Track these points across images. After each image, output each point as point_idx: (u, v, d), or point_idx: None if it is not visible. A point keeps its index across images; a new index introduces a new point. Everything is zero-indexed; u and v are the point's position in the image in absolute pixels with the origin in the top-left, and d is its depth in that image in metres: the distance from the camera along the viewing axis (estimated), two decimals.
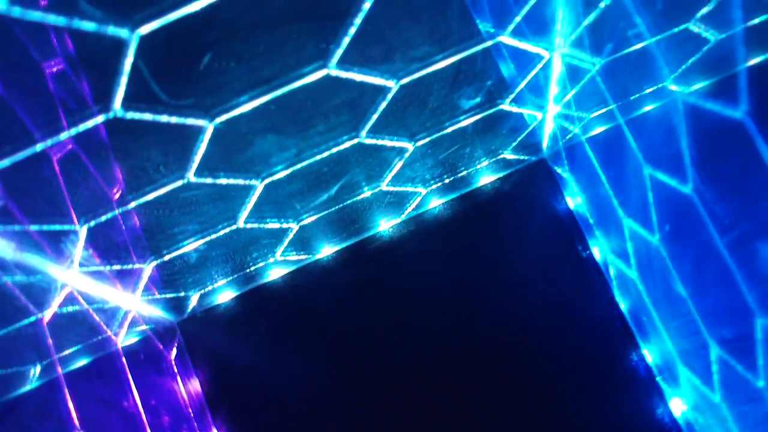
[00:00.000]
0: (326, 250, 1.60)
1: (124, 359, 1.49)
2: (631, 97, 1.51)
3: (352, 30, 0.94)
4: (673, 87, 1.52)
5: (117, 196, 1.21)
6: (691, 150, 1.04)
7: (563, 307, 1.56)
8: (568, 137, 1.54)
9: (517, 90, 1.32)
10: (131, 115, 0.92)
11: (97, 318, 1.35)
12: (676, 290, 1.23)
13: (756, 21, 1.45)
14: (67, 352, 1.44)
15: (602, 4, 1.17)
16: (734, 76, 1.15)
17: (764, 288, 0.98)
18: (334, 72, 0.99)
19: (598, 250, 1.56)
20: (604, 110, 1.49)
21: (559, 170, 1.60)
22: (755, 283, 0.98)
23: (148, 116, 0.94)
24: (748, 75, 1.23)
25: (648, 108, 1.53)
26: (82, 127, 0.92)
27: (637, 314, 1.50)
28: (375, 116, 1.14)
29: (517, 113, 1.41)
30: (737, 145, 0.88)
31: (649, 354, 1.51)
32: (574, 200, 1.58)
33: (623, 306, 1.53)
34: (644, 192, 1.23)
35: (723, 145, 1.03)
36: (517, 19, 1.12)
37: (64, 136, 0.94)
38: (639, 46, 1.33)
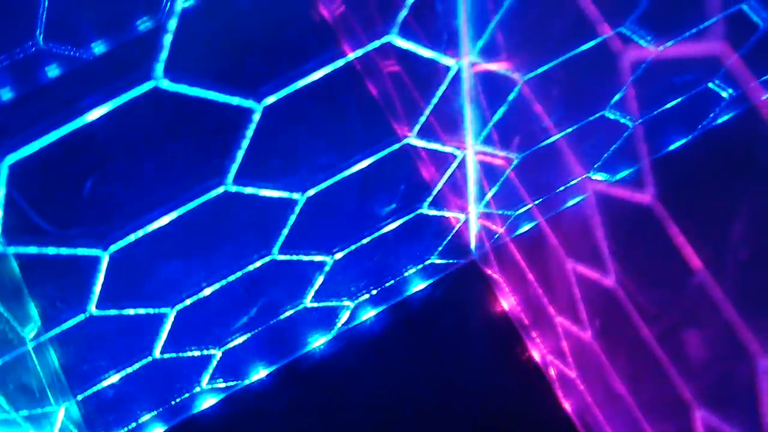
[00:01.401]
0: (257, 374, 1.53)
1: None
2: (556, 191, 1.48)
3: (245, 142, 0.90)
4: (597, 177, 1.50)
5: (18, 335, 1.14)
6: (609, 240, 1.01)
7: (508, 412, 1.50)
8: (495, 237, 1.51)
9: (435, 192, 1.28)
10: (14, 249, 0.87)
11: None
12: (615, 387, 1.18)
13: (673, 103, 1.45)
14: None
15: (509, 97, 1.15)
16: (643, 159, 1.13)
17: (697, 378, 0.94)
18: (233, 188, 0.95)
19: (536, 351, 1.51)
20: (528, 207, 1.46)
21: (489, 272, 1.56)
22: (688, 374, 0.94)
23: (32, 249, 0.88)
24: (655, 157, 1.21)
25: (573, 201, 1.51)
26: None
27: (582, 414, 1.44)
28: (285, 231, 1.10)
29: (439, 216, 1.37)
30: (649, 231, 0.84)
31: None
32: (508, 301, 1.54)
33: (568, 407, 1.47)
34: (570, 287, 1.19)
35: (637, 233, 0.99)
36: (423, 118, 1.09)
37: None
38: (555, 137, 1.30)
